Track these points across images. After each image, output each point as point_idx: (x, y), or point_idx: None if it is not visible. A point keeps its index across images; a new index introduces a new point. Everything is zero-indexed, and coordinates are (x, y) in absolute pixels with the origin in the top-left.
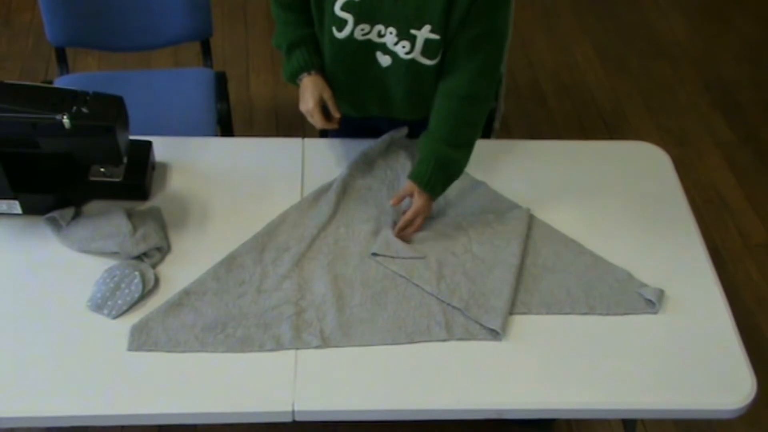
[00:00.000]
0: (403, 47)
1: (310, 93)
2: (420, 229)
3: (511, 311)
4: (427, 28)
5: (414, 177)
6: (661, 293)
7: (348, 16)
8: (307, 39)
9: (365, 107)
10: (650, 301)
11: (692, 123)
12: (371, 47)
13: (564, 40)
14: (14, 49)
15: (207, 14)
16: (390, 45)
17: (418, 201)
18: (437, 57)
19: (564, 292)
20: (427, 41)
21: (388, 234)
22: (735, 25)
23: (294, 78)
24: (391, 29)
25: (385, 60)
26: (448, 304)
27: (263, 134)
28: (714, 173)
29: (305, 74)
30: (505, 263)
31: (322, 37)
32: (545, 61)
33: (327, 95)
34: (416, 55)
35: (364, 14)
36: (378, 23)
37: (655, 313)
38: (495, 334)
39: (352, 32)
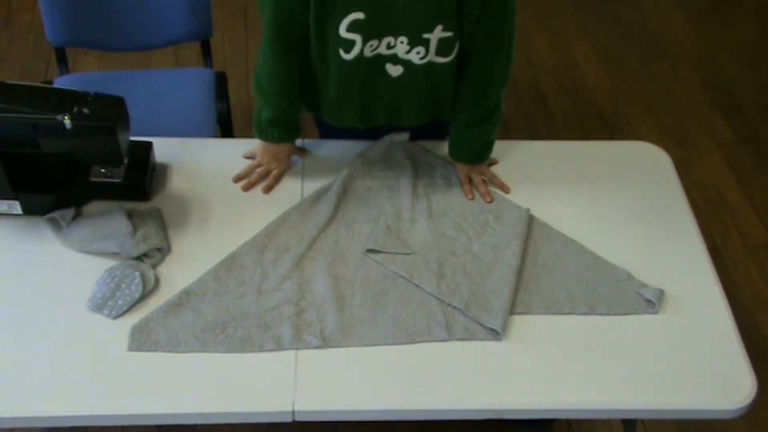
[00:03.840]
0: (418, 53)
1: (283, 155)
2: (492, 182)
3: (512, 311)
4: (439, 28)
5: (450, 154)
6: (661, 293)
7: (355, 36)
8: (294, 116)
9: (372, 119)
10: (650, 301)
11: (692, 123)
12: (380, 61)
13: (564, 40)
14: (14, 49)
15: (207, 14)
16: (401, 54)
17: (462, 166)
18: (452, 53)
19: (564, 292)
20: (441, 41)
21: (380, 231)
22: (735, 25)
23: (270, 141)
24: (402, 38)
25: (396, 70)
26: (449, 304)
27: None
28: (714, 173)
29: (286, 142)
30: (505, 263)
31: (325, 62)
32: (545, 61)
33: (288, 165)
34: (431, 56)
35: (372, 30)
36: (387, 35)
37: (655, 313)
38: (495, 334)
39: (361, 51)
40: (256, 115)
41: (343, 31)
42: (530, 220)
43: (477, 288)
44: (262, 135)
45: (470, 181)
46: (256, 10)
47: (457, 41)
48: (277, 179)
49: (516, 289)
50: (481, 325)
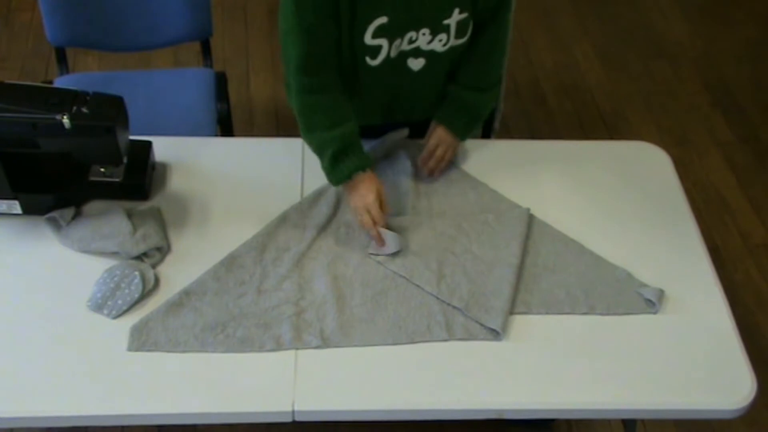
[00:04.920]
0: (440, 40)
1: (367, 188)
2: (445, 165)
3: (512, 311)
4: (456, 11)
5: (437, 117)
6: (661, 293)
7: (382, 41)
8: (353, 139)
9: (391, 115)
10: (650, 301)
11: (692, 123)
12: (403, 57)
13: (564, 40)
14: (14, 49)
15: (207, 14)
16: (424, 46)
17: (441, 133)
18: (468, 32)
19: (564, 292)
20: (458, 23)
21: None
22: (735, 25)
23: (348, 180)
24: (423, 30)
25: (417, 63)
26: (448, 304)
27: (263, 134)
28: (714, 173)
29: (360, 172)
30: (505, 263)
31: (353, 71)
32: (545, 61)
33: (381, 191)
34: (452, 41)
35: (397, 31)
36: (410, 31)
37: (655, 313)
38: (495, 334)
39: (387, 54)
40: (323, 166)
41: (368, 39)
42: (530, 220)
43: (477, 288)
44: (335, 178)
45: (432, 154)
46: (255, 10)
47: (471, 20)
48: (383, 217)
49: (516, 289)
50: (481, 325)
